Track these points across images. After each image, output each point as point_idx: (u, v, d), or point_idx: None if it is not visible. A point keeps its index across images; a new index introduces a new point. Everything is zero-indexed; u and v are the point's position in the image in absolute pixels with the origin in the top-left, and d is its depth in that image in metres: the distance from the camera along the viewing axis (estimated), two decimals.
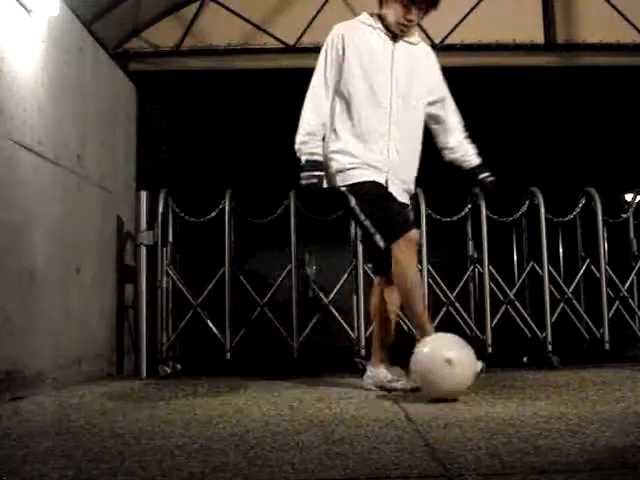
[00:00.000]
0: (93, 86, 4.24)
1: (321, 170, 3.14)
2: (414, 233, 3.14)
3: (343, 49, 3.14)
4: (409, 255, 3.05)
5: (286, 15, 4.85)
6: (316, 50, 4.94)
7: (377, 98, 3.11)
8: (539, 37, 4.87)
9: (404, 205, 3.24)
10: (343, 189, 3.15)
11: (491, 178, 3.40)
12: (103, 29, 4.36)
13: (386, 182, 3.13)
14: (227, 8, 4.80)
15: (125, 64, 4.82)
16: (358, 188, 3.11)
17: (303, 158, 3.15)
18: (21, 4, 3.35)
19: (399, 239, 3.03)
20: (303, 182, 3.12)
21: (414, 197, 3.65)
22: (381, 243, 3.06)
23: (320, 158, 3.15)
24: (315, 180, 3.10)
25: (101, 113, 4.35)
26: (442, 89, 3.32)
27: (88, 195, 4.11)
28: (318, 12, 4.77)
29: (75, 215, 3.91)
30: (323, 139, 3.18)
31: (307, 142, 3.15)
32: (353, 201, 3.13)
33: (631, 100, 5.76)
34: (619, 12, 4.78)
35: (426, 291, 4.20)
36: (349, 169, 3.12)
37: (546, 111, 6.43)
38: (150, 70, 4.94)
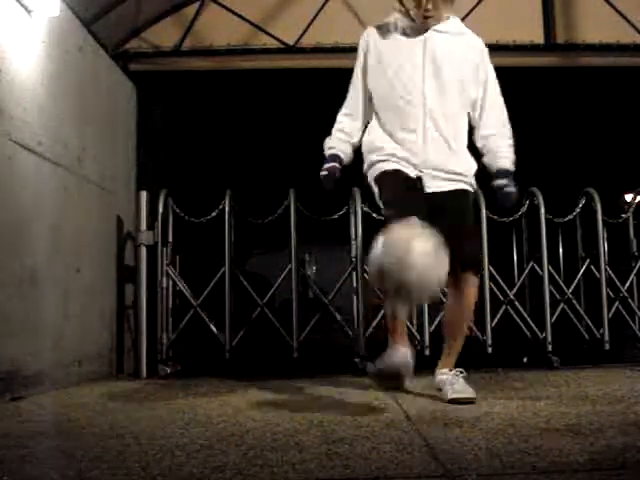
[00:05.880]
0: (93, 86, 4.24)
1: (334, 161, 3.09)
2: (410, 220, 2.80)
3: (366, 51, 3.13)
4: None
5: (286, 15, 4.84)
6: (316, 50, 4.96)
7: (406, 94, 3.01)
8: (539, 37, 4.87)
9: (426, 195, 2.99)
10: (372, 184, 3.11)
11: (507, 189, 3.03)
12: (103, 29, 4.36)
13: (418, 175, 2.99)
14: (227, 8, 4.80)
15: (125, 64, 4.81)
16: (381, 179, 3.05)
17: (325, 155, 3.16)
18: (21, 4, 3.35)
19: (392, 223, 2.82)
20: (320, 176, 3.09)
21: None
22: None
23: (335, 151, 3.12)
24: (325, 172, 3.06)
25: (101, 113, 4.35)
26: (479, 85, 3.09)
27: (88, 195, 4.10)
28: (318, 12, 4.76)
29: (75, 215, 3.91)
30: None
31: (330, 138, 3.17)
32: (377, 193, 3.08)
33: (631, 100, 5.76)
34: (619, 12, 4.77)
35: None
36: (376, 162, 3.07)
37: (546, 111, 6.43)
38: (150, 70, 4.93)
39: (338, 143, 3.14)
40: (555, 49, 4.91)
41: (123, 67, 4.79)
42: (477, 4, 4.66)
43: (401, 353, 3.00)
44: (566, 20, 4.89)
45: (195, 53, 4.87)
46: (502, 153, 3.10)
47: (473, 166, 3.11)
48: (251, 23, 4.83)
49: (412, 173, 3.01)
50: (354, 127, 3.16)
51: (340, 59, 4.71)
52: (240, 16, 4.81)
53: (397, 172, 3.01)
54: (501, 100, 3.16)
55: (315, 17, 4.76)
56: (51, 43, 3.64)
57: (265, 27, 4.83)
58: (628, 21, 4.78)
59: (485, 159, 3.14)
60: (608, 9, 4.78)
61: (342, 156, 3.12)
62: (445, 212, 2.95)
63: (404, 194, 2.97)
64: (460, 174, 3.05)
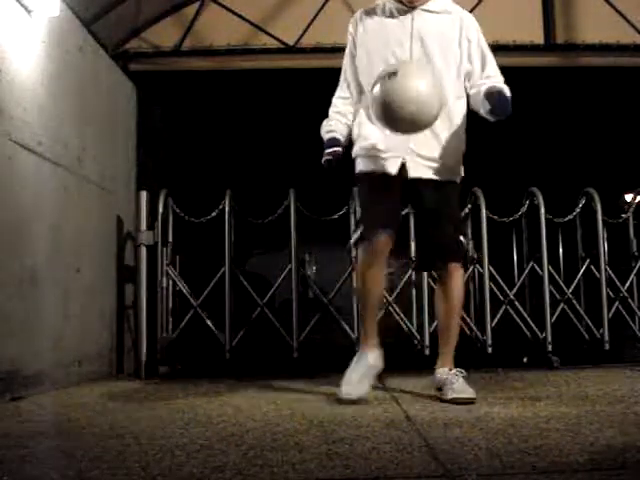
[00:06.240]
0: (93, 86, 4.24)
1: (335, 146, 3.03)
2: (383, 239, 2.89)
3: (354, 35, 3.10)
4: (366, 262, 2.95)
5: (286, 15, 4.84)
6: (316, 50, 4.95)
7: None
8: (539, 37, 4.87)
9: (410, 180, 2.93)
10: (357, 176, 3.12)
11: (502, 91, 2.87)
12: (103, 29, 4.36)
13: (401, 165, 2.92)
14: (227, 8, 4.80)
15: (125, 64, 4.82)
16: (358, 179, 3.08)
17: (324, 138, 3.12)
18: (21, 4, 3.35)
19: (364, 241, 2.94)
20: (322, 162, 3.03)
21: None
22: (353, 236, 3.03)
23: (335, 135, 3.08)
24: (330, 157, 3.01)
25: (101, 113, 4.35)
26: (473, 60, 3.01)
27: (88, 195, 4.10)
28: (318, 12, 4.76)
29: (75, 215, 3.91)
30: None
31: (327, 121, 3.14)
32: (358, 189, 3.15)
33: (631, 101, 5.76)
34: (619, 12, 4.77)
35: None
36: (358, 156, 3.06)
37: (546, 111, 6.43)
38: (150, 70, 4.93)
39: (337, 125, 3.10)
40: (555, 49, 4.91)
41: (123, 67, 4.79)
42: (477, 4, 4.66)
43: (369, 360, 3.02)
44: (566, 20, 4.89)
45: (195, 53, 4.87)
46: (499, 84, 2.97)
47: (461, 152, 3.04)
48: (251, 23, 4.83)
49: (393, 166, 2.92)
50: (348, 110, 3.14)
51: (340, 59, 4.69)
52: (240, 16, 4.81)
53: (373, 174, 2.97)
54: (497, 68, 3.06)
55: (315, 17, 4.76)
56: (51, 43, 3.64)
57: (265, 27, 4.83)
58: (628, 21, 4.78)
59: (472, 99, 3.01)
60: (608, 9, 4.78)
61: (342, 139, 3.08)
62: (426, 201, 2.96)
63: (378, 202, 2.95)
64: (445, 164, 2.96)
